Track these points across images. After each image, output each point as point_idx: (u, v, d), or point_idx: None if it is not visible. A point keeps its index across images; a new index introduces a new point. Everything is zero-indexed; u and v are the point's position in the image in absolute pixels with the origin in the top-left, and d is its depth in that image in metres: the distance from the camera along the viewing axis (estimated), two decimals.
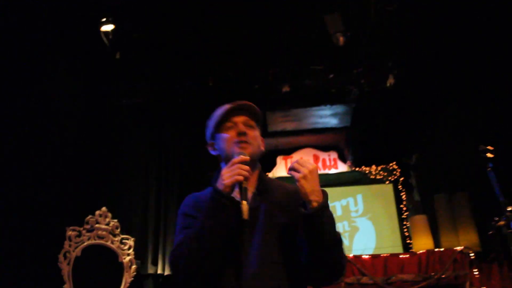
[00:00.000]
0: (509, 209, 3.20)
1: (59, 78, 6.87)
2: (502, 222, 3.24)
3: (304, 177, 2.15)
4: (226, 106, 2.43)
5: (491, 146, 3.38)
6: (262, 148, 2.48)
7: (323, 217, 2.13)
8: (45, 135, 6.57)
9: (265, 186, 2.39)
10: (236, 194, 2.15)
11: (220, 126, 2.43)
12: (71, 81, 7.07)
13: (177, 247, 2.19)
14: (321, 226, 2.12)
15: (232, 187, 2.12)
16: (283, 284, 2.18)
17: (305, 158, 8.16)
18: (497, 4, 6.63)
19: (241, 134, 2.34)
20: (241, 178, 2.12)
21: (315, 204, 2.12)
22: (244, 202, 2.08)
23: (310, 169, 2.19)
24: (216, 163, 2.53)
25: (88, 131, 7.43)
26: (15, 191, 6.03)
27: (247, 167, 2.16)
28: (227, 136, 2.38)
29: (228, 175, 2.13)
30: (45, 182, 6.56)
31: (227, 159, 2.33)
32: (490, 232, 6.16)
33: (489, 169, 3.37)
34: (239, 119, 2.41)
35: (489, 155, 3.36)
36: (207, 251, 2.10)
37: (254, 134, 2.41)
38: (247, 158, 2.21)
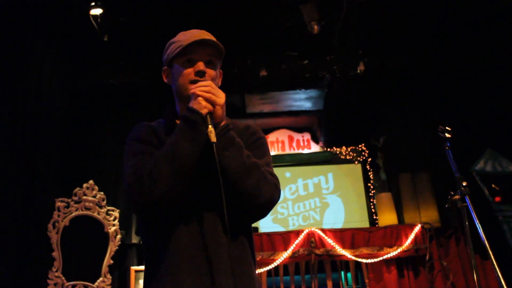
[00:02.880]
0: (463, 184, 3.20)
1: (48, 57, 6.83)
2: (457, 197, 3.24)
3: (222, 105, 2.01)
4: (190, 36, 2.13)
5: (449, 127, 3.42)
6: (219, 82, 2.25)
7: (229, 136, 2.00)
8: (34, 112, 6.54)
9: (222, 120, 2.04)
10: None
11: (179, 56, 2.14)
12: (59, 60, 7.03)
13: (135, 169, 1.90)
14: (229, 145, 1.97)
15: (207, 112, 1.93)
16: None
17: (280, 138, 8.12)
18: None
19: (199, 73, 2.09)
20: (215, 99, 1.96)
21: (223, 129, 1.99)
22: (210, 126, 1.89)
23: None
24: None
25: (77, 108, 7.41)
26: (6, 167, 6.03)
27: (214, 96, 1.97)
28: (184, 71, 2.12)
29: (203, 94, 1.94)
30: (35, 157, 6.55)
31: (180, 95, 2.16)
32: (446, 206, 6.28)
33: (447, 147, 3.38)
34: (200, 55, 2.12)
35: (447, 135, 3.36)
36: (182, 170, 1.86)
37: (214, 73, 2.16)
38: (211, 83, 2.01)
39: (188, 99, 2.03)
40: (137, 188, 1.85)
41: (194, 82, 2.07)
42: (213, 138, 1.85)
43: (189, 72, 2.11)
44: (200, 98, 1.93)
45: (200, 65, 2.10)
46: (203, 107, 1.92)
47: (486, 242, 3.04)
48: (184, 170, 1.86)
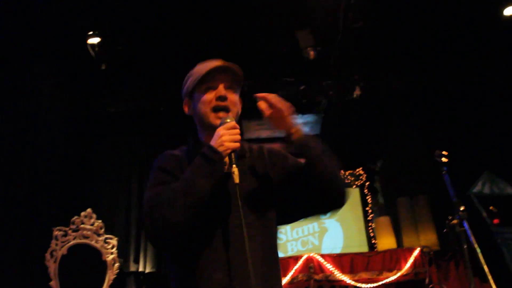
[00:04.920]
0: (461, 209, 3.26)
1: (46, 86, 6.87)
2: (455, 221, 3.30)
3: (288, 109, 2.11)
4: (208, 65, 2.16)
5: (446, 151, 3.47)
6: (239, 112, 2.26)
7: (311, 140, 2.11)
8: (33, 141, 6.57)
9: (241, 152, 2.13)
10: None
11: (199, 85, 2.16)
12: (58, 89, 7.08)
13: (155, 197, 1.93)
14: (314, 148, 2.08)
15: (231, 150, 1.93)
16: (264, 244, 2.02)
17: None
18: (452, 23, 6.80)
19: (221, 98, 2.12)
20: (238, 145, 1.95)
21: (298, 132, 2.11)
22: (234, 166, 1.89)
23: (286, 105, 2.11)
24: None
25: (75, 136, 7.43)
26: (5, 195, 6.05)
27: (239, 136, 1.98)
28: (206, 98, 2.13)
29: (229, 138, 1.94)
30: (34, 185, 6.57)
31: (202, 123, 2.17)
32: (445, 230, 6.29)
33: (444, 172, 3.43)
34: (220, 82, 2.15)
35: (443, 159, 3.42)
36: (195, 205, 1.87)
37: (235, 98, 2.19)
38: (237, 125, 2.02)
39: (211, 127, 2.08)
40: (154, 215, 1.88)
41: (216, 108, 2.10)
42: (237, 179, 1.87)
43: (210, 98, 2.12)
44: (225, 141, 1.93)
45: (221, 90, 2.12)
46: (226, 148, 1.93)
47: (484, 265, 3.10)
48: (198, 204, 1.88)
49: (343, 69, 7.70)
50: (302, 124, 8.70)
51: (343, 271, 6.97)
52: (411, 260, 7.28)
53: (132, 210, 7.80)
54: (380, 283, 7.16)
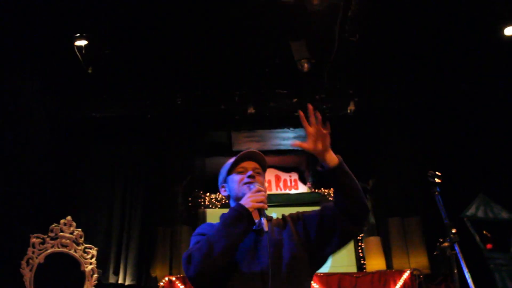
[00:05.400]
0: (453, 231, 3.21)
1: (30, 89, 6.83)
2: (446, 244, 3.25)
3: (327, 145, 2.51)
4: (240, 153, 2.72)
5: (439, 172, 3.39)
6: (265, 190, 2.66)
7: (344, 167, 2.53)
8: (13, 144, 6.52)
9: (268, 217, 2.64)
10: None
11: (232, 171, 2.73)
12: (42, 92, 7.03)
13: (192, 248, 2.44)
14: (347, 174, 2.50)
15: (255, 208, 2.42)
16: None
17: (267, 178, 8.07)
18: (448, 41, 6.79)
19: (250, 176, 2.63)
20: (265, 206, 2.42)
21: (335, 160, 2.51)
22: (264, 219, 2.41)
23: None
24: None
25: (57, 141, 7.43)
26: None
27: (265, 198, 2.47)
28: (239, 177, 2.68)
29: (255, 199, 2.43)
30: (12, 190, 6.50)
31: (237, 197, 2.64)
32: (435, 253, 6.15)
33: (436, 193, 3.37)
34: (249, 165, 2.71)
35: (436, 180, 3.37)
36: (223, 249, 2.33)
37: (261, 179, 2.71)
38: (264, 189, 2.53)
39: (243, 196, 2.56)
40: (187, 263, 2.40)
41: (246, 183, 2.63)
42: (266, 228, 2.39)
43: (242, 178, 2.67)
44: (251, 201, 2.42)
45: (250, 170, 2.68)
46: (251, 206, 2.41)
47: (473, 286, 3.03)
48: (228, 247, 2.35)
49: (338, 83, 7.70)
50: (293, 138, 8.66)
51: None
52: (400, 283, 7.31)
53: (113, 219, 7.81)
54: None
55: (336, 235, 2.54)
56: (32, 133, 6.87)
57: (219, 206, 8.76)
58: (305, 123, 2.46)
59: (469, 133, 7.93)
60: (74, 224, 7.07)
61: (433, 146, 7.96)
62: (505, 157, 7.79)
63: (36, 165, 6.93)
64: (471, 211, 7.56)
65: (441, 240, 3.31)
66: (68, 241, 6.98)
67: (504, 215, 7.54)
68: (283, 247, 2.55)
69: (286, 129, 8.45)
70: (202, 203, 8.71)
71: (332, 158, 2.52)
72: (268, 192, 8.70)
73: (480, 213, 7.59)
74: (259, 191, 2.48)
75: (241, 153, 2.71)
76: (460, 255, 3.15)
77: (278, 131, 8.56)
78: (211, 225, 2.69)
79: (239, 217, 2.41)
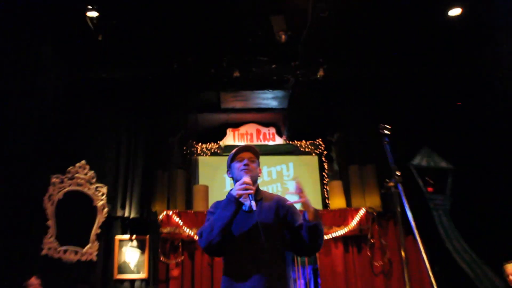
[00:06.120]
0: (397, 173, 3.29)
1: (45, 50, 6.77)
2: (391, 184, 3.33)
3: (306, 200, 2.88)
4: (239, 147, 3.21)
5: (388, 125, 3.49)
6: (259, 174, 3.24)
7: (319, 225, 2.91)
8: (32, 98, 6.50)
9: (260, 195, 3.15)
10: (243, 198, 2.91)
11: (233, 160, 3.20)
12: (57, 53, 6.97)
13: (202, 227, 3.00)
14: (318, 230, 2.89)
15: (240, 196, 2.87)
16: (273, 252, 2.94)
17: (249, 131, 8.12)
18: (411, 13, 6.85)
19: (245, 165, 3.11)
20: (247, 193, 2.85)
21: (314, 218, 2.88)
22: (253, 200, 2.86)
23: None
24: None
25: (71, 97, 7.39)
26: (8, 146, 6.02)
27: (251, 186, 2.90)
28: (238, 165, 3.15)
29: (240, 187, 2.87)
30: (34, 138, 6.53)
31: (237, 180, 3.12)
32: (382, 191, 6.32)
33: (386, 142, 3.46)
34: (245, 155, 3.17)
35: (386, 131, 3.47)
36: (218, 229, 2.86)
37: (254, 166, 3.17)
38: (250, 181, 2.94)
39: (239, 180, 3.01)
40: (199, 238, 2.99)
41: (242, 170, 3.10)
42: (254, 207, 2.86)
43: (240, 165, 3.14)
44: (238, 191, 2.88)
45: (245, 160, 3.14)
46: (236, 194, 2.88)
47: (412, 222, 3.10)
48: (223, 227, 2.87)
49: (310, 53, 7.73)
50: (272, 98, 8.76)
51: None
52: (357, 218, 7.49)
53: (120, 164, 7.78)
54: (330, 236, 7.33)
55: (291, 244, 3.05)
56: (46, 88, 6.81)
57: (209, 154, 8.78)
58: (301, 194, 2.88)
59: (418, 95, 8.08)
60: (87, 167, 7.22)
61: (387, 106, 8.06)
62: (446, 117, 7.96)
63: (52, 118, 6.93)
64: (416, 160, 7.74)
65: (387, 180, 3.40)
66: (82, 181, 7.14)
67: (443, 164, 7.75)
68: (267, 216, 3.02)
69: (266, 91, 8.45)
70: (195, 151, 8.74)
71: (313, 217, 2.90)
72: (250, 143, 8.87)
73: (424, 162, 7.76)
74: (244, 183, 2.89)
75: (240, 146, 3.21)
76: (402, 193, 3.23)
77: (259, 92, 8.53)
78: (219, 202, 3.16)
79: (229, 203, 2.90)
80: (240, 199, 2.91)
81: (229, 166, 3.28)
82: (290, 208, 3.11)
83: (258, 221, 2.95)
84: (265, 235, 2.92)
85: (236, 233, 2.99)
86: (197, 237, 3.13)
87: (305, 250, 3.05)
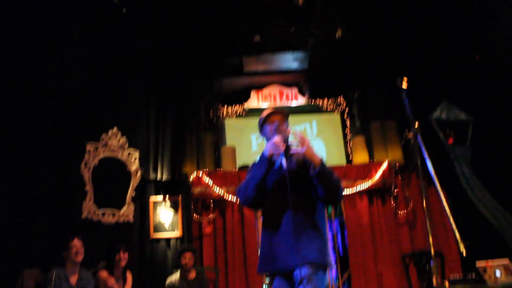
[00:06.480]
0: (416, 125, 3.27)
1: (76, 27, 6.92)
2: (410, 135, 3.34)
3: (308, 146, 3.07)
4: (268, 111, 3.40)
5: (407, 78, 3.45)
6: (288, 134, 3.33)
7: (325, 171, 3.07)
8: (67, 70, 6.70)
9: (291, 153, 3.23)
10: (275, 157, 3.16)
11: (264, 123, 3.39)
12: (86, 26, 7.11)
13: (240, 184, 3.31)
14: (324, 175, 3.06)
15: (271, 155, 3.11)
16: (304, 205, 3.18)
17: (272, 92, 8.27)
18: None
19: (275, 128, 3.30)
20: (277, 152, 3.10)
21: (318, 163, 3.04)
22: (284, 158, 3.21)
23: (309, 142, 3.12)
24: None
25: (101, 68, 7.50)
26: (45, 114, 6.27)
27: (281, 144, 3.11)
28: (268, 127, 3.36)
29: (271, 148, 3.10)
30: (71, 107, 6.76)
31: (268, 139, 3.30)
32: (402, 143, 6.44)
33: (403, 96, 3.40)
34: (275, 118, 3.35)
35: (404, 85, 3.42)
36: (252, 185, 3.16)
37: (284, 126, 3.35)
38: (281, 141, 3.13)
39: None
40: (237, 194, 3.33)
41: (274, 131, 3.31)
42: (285, 165, 3.18)
43: (271, 128, 3.34)
44: (268, 150, 3.13)
45: (275, 123, 3.34)
46: (268, 153, 3.13)
47: (433, 172, 3.13)
48: (258, 184, 3.16)
49: (328, 14, 7.80)
50: (293, 59, 8.86)
51: None
52: (380, 172, 7.67)
53: (150, 129, 7.96)
54: (354, 189, 7.57)
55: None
56: (78, 62, 6.94)
57: (234, 116, 8.89)
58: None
59: (439, 51, 8.02)
60: (119, 133, 7.43)
61: (406, 62, 7.99)
62: (465, 72, 7.94)
63: (86, 88, 7.10)
64: (436, 114, 7.76)
65: (407, 131, 3.48)
66: (115, 147, 7.38)
67: (462, 116, 7.76)
68: (296, 171, 3.22)
69: (286, 52, 8.59)
70: (221, 114, 8.86)
71: (317, 162, 3.06)
72: (274, 104, 9.01)
73: (444, 115, 7.78)
74: (274, 143, 3.10)
75: (269, 111, 3.39)
76: (421, 143, 3.20)
77: (280, 54, 8.66)
78: (255, 163, 3.37)
79: (262, 162, 3.15)
80: (272, 158, 3.13)
81: (261, 129, 3.48)
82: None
83: (286, 176, 3.13)
84: (294, 189, 3.10)
85: (270, 188, 3.23)
86: (237, 193, 3.32)
87: (324, 198, 3.17)
